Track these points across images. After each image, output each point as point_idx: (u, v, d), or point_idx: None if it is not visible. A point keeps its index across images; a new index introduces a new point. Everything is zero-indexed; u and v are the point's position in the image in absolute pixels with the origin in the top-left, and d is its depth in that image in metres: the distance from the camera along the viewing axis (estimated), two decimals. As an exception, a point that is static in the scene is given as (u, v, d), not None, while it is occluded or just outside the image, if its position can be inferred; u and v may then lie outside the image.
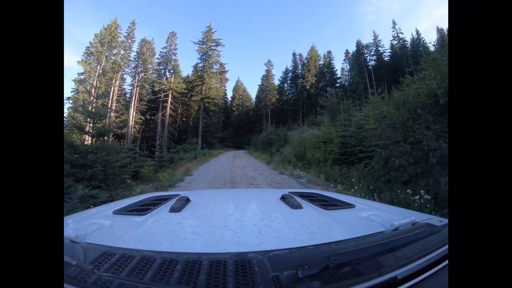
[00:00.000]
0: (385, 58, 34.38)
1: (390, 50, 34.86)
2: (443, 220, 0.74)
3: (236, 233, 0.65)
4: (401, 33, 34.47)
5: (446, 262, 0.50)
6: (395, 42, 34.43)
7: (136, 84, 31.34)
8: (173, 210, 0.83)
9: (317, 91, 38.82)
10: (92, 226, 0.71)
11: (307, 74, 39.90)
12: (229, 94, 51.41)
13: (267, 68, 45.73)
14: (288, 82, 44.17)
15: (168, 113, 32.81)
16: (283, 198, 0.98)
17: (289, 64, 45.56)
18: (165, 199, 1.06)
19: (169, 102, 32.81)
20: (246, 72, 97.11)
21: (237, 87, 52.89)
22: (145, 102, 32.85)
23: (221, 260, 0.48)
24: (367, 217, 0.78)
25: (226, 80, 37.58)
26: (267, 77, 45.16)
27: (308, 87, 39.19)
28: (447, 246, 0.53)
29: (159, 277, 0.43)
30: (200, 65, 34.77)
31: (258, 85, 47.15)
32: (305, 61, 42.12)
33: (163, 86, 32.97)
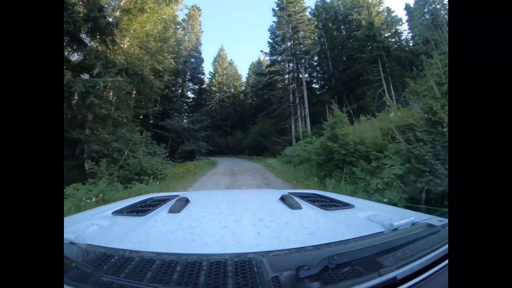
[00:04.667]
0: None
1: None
2: (442, 220, 0.74)
3: (235, 234, 0.65)
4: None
5: (446, 262, 0.50)
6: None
7: None
8: (172, 211, 0.83)
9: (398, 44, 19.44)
10: (91, 227, 0.71)
11: (366, 14, 19.53)
12: (207, 68, 30.67)
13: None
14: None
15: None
16: (282, 198, 0.98)
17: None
18: (164, 200, 1.06)
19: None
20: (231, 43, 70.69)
21: (220, 58, 33.56)
22: None
23: (220, 261, 0.48)
24: (367, 218, 0.78)
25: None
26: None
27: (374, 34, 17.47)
28: (446, 246, 0.53)
29: (158, 279, 0.43)
30: None
31: (272, 12, 21.03)
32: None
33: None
